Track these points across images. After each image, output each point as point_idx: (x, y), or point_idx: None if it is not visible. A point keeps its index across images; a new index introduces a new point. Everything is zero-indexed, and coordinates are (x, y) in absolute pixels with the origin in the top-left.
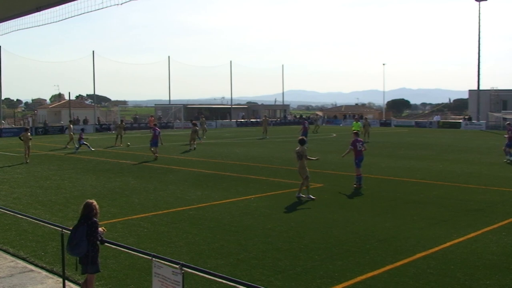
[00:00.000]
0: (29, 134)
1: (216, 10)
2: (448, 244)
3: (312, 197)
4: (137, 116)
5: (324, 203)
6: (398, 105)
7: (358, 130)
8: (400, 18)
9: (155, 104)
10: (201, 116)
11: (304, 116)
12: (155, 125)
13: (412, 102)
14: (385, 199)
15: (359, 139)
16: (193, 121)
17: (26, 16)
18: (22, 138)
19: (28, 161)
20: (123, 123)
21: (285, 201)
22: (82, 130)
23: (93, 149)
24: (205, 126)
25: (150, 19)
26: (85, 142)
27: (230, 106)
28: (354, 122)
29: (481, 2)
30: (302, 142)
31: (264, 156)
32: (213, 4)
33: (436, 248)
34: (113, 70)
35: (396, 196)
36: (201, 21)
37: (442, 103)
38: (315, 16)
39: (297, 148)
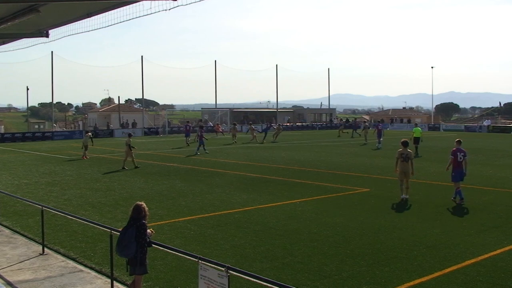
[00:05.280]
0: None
1: (262, 15)
2: (498, 251)
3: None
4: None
5: (371, 208)
6: (447, 109)
7: (419, 136)
8: (448, 20)
9: (202, 108)
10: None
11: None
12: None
13: (461, 106)
14: (434, 205)
15: (461, 148)
16: (234, 122)
17: (77, 22)
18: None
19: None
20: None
21: (331, 205)
22: (201, 127)
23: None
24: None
25: (197, 24)
26: (204, 140)
27: (276, 110)
28: (415, 128)
29: None
30: (406, 144)
31: (310, 160)
32: (260, 9)
33: (486, 255)
34: (161, 75)
35: (445, 202)
36: (247, 26)
37: (492, 107)
38: (361, 19)
39: (400, 150)
